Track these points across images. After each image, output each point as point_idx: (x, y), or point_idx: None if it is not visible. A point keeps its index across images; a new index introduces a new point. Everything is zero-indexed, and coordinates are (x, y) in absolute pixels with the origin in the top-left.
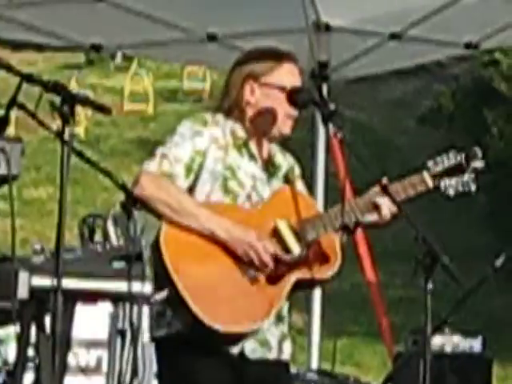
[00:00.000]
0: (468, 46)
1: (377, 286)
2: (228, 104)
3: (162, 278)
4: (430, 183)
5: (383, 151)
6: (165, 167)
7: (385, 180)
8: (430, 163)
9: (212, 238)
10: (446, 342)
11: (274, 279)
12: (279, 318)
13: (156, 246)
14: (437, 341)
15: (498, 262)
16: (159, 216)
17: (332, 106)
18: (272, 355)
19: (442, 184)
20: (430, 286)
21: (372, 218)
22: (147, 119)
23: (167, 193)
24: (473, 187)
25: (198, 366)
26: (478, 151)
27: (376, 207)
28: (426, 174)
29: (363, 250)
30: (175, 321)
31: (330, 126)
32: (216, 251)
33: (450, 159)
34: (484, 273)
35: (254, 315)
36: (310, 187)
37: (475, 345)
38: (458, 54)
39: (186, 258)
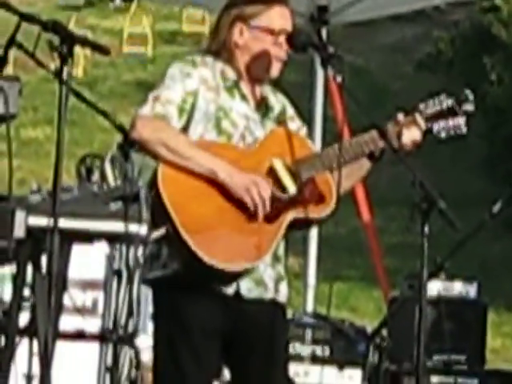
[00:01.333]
0: None
1: (373, 230)
2: (217, 46)
3: (160, 216)
4: (423, 125)
5: (381, 96)
6: (158, 109)
7: (401, 116)
8: (422, 106)
9: (210, 179)
10: (441, 287)
11: (270, 218)
12: (276, 258)
13: (154, 184)
14: (432, 286)
15: (495, 208)
16: (157, 158)
17: (331, 50)
18: (268, 295)
19: (435, 127)
20: (426, 230)
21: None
22: (146, 61)
23: (164, 134)
24: (464, 130)
25: (193, 307)
26: (470, 94)
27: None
28: (418, 116)
29: (360, 194)
30: (170, 261)
31: (329, 69)
32: (213, 190)
33: (442, 102)
34: (481, 219)
35: (250, 253)
36: (308, 130)
37: (471, 290)
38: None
39: (183, 196)
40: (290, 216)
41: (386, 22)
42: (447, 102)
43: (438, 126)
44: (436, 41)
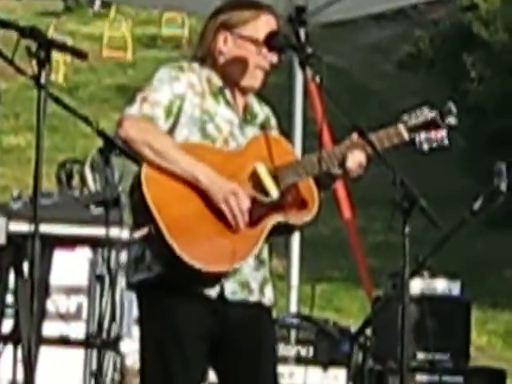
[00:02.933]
0: None
1: (354, 227)
2: (202, 53)
3: (142, 216)
4: (406, 135)
5: (362, 96)
6: (145, 110)
7: (354, 137)
8: (405, 117)
9: (192, 183)
10: (424, 285)
11: (252, 222)
12: (260, 262)
13: (137, 185)
14: (415, 284)
15: (476, 205)
16: (142, 158)
17: (309, 50)
18: (253, 298)
19: (417, 139)
20: (407, 229)
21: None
22: (126, 66)
23: (150, 135)
24: (446, 142)
25: (177, 310)
26: (453, 107)
27: (342, 160)
28: (401, 127)
29: (341, 192)
30: (155, 264)
31: (308, 69)
32: (196, 193)
33: (425, 115)
34: (462, 216)
35: (232, 255)
36: (288, 133)
37: (454, 288)
38: None
39: (166, 197)
40: (272, 221)
41: (365, 22)
42: (430, 114)
43: (420, 138)
44: (416, 40)
